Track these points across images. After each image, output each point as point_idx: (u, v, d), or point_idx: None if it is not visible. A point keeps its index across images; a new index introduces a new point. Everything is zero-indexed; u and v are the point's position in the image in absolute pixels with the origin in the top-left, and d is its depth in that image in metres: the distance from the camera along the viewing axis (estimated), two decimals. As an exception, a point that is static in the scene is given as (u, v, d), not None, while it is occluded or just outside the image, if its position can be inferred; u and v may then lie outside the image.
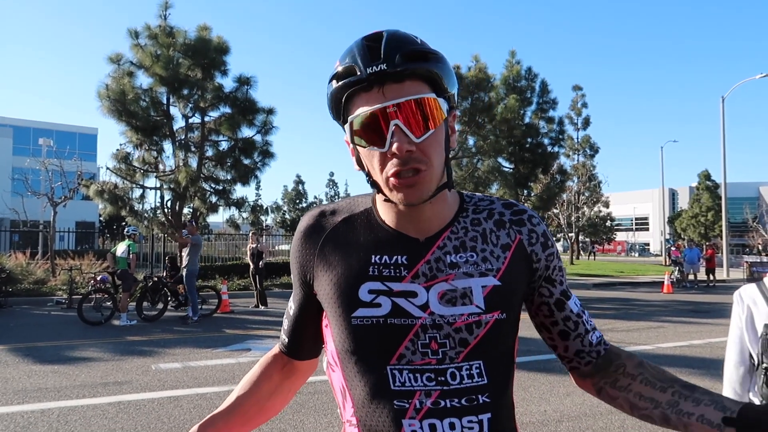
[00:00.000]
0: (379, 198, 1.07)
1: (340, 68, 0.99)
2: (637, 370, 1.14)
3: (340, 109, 1.02)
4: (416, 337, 1.00)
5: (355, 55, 0.97)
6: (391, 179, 0.97)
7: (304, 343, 1.24)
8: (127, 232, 11.76)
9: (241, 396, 1.21)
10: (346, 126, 1.01)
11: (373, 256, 1.05)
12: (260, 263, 13.74)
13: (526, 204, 24.18)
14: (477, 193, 1.17)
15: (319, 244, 1.11)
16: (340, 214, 1.12)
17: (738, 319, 2.24)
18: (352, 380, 1.05)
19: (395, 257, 1.04)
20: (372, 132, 0.97)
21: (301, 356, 1.25)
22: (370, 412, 1.02)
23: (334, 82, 1.00)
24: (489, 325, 1.02)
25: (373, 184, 1.04)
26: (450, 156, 1.05)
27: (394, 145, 0.94)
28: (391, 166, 0.96)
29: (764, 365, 2.08)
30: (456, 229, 1.08)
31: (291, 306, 1.23)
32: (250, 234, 14.69)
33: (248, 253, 14.39)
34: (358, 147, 1.02)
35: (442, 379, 0.99)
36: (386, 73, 0.94)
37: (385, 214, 1.08)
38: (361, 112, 0.97)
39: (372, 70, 0.95)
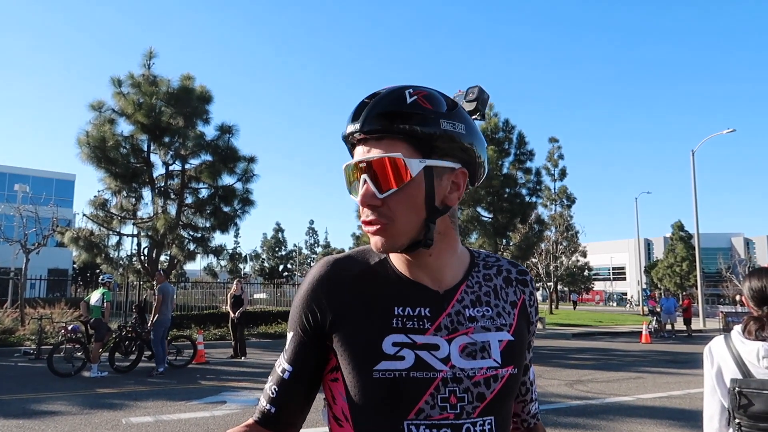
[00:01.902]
0: None
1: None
2: None
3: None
4: (436, 391, 0.99)
5: (350, 113, 1.05)
6: (364, 226, 1.05)
7: (295, 413, 1.10)
8: (102, 279, 11.54)
9: None
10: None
11: (395, 308, 1.04)
12: (239, 311, 13.52)
13: (505, 253, 24.37)
14: (482, 250, 1.21)
15: (338, 294, 1.06)
16: (356, 265, 1.10)
17: (709, 374, 2.28)
18: None
19: (418, 309, 1.04)
20: (351, 182, 1.05)
21: (282, 428, 1.09)
22: None
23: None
24: (504, 380, 1.04)
25: None
26: (446, 212, 1.05)
27: (360, 197, 1.01)
28: (362, 214, 1.03)
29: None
30: (471, 283, 1.11)
31: (284, 367, 1.09)
32: (236, 281, 14.42)
33: (229, 300, 14.08)
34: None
35: None
36: (359, 132, 1.01)
37: (399, 263, 1.09)
38: (345, 164, 1.06)
39: (349, 130, 1.03)
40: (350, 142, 1.05)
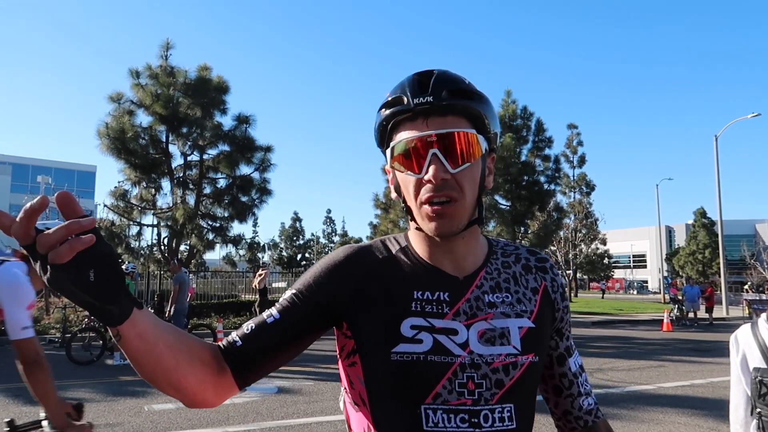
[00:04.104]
0: (413, 230, 1.10)
1: (389, 98, 1.04)
2: None
3: (385, 135, 1.06)
4: (454, 376, 0.98)
5: (405, 87, 1.02)
6: (425, 207, 1.00)
7: (258, 357, 1.01)
8: (126, 269, 11.69)
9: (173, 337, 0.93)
10: (387, 152, 1.05)
11: (415, 292, 1.04)
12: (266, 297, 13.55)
13: (523, 241, 24.22)
14: (500, 239, 1.20)
15: (360, 279, 1.05)
16: (378, 252, 1.10)
17: (734, 363, 2.23)
18: (381, 420, 1.01)
19: (437, 293, 1.04)
20: (411, 158, 1.00)
21: (243, 373, 1.00)
22: None
23: (383, 110, 1.05)
24: (524, 368, 1.02)
25: (408, 210, 1.06)
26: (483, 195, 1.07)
27: (430, 172, 0.97)
28: (425, 192, 0.99)
29: (758, 410, 2.06)
30: (490, 270, 1.10)
31: (271, 313, 1.04)
32: (263, 270, 14.42)
33: (259, 286, 13.99)
34: (396, 172, 1.05)
35: (476, 420, 0.97)
36: (432, 104, 0.98)
37: (422, 250, 1.09)
38: (403, 138, 1.01)
39: (419, 101, 0.99)
40: (399, 118, 1.02)
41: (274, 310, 1.05)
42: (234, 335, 1.03)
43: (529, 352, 1.03)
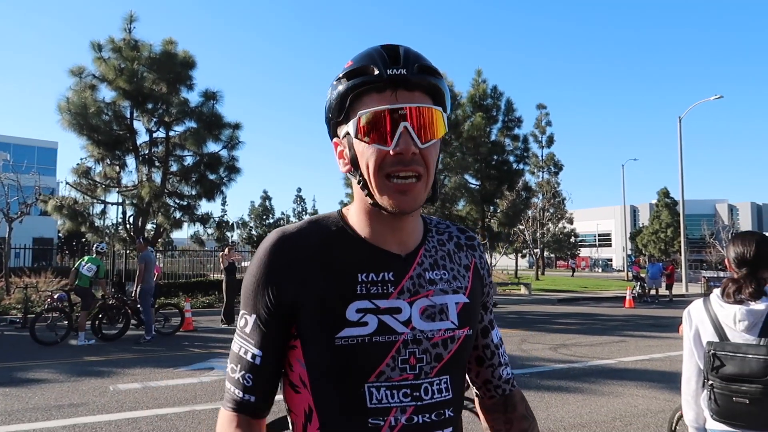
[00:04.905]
0: (357, 207, 1.07)
1: (353, 67, 1.00)
2: None
3: (344, 106, 1.00)
4: (397, 353, 1.00)
5: (374, 57, 0.98)
6: (390, 181, 0.97)
7: (272, 392, 1.08)
8: (99, 248, 11.38)
9: None
10: (351, 122, 0.99)
11: (359, 275, 1.02)
12: (236, 276, 13.37)
13: (492, 221, 24.49)
14: (432, 216, 1.20)
15: (298, 266, 1.02)
16: (314, 234, 1.06)
17: (687, 336, 2.31)
18: (323, 401, 1.01)
19: (382, 274, 1.03)
20: (379, 130, 0.96)
21: (266, 412, 1.08)
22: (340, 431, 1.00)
23: (344, 80, 1.00)
24: (460, 341, 1.06)
25: (365, 185, 1.01)
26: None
27: (401, 145, 0.95)
28: (390, 165, 0.96)
29: (710, 382, 2.14)
30: (428, 247, 1.11)
31: (252, 352, 1.04)
32: (227, 248, 14.18)
33: (223, 265, 13.76)
34: (356, 143, 1.00)
35: (417, 394, 1.00)
36: (405, 77, 0.96)
37: (362, 228, 1.06)
38: (372, 109, 0.97)
39: (392, 72, 0.96)
40: (364, 89, 0.98)
41: (252, 348, 1.04)
42: (238, 394, 1.05)
43: (464, 326, 1.07)
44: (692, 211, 59.20)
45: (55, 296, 11.52)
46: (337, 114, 1.02)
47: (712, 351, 2.14)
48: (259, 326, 1.04)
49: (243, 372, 1.04)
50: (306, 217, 1.14)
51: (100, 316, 10.97)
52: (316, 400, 1.02)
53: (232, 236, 49.30)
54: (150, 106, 16.60)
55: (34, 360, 8.55)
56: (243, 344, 1.05)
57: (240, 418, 1.04)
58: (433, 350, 1.02)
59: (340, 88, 1.00)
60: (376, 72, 0.96)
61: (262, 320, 1.03)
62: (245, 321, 1.05)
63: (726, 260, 2.30)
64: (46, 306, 11.26)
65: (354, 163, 1.02)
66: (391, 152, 0.96)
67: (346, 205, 1.16)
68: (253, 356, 1.03)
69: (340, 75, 1.01)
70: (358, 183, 1.03)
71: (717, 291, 2.23)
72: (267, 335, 1.03)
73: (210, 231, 20.16)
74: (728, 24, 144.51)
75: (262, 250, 1.06)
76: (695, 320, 2.27)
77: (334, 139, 1.08)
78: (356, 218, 1.08)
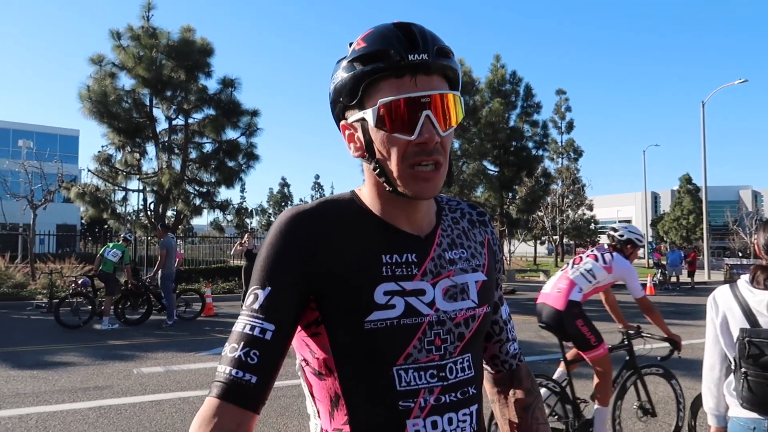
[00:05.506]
0: (369, 189, 1.05)
1: (368, 50, 0.94)
2: (522, 412, 1.20)
3: (357, 92, 0.96)
4: (423, 335, 1.00)
5: (391, 40, 0.94)
6: (413, 169, 0.95)
7: (273, 380, 0.95)
8: (126, 236, 11.75)
9: None
10: (369, 110, 0.95)
11: (383, 256, 1.00)
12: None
13: (510, 207, 24.33)
14: (442, 194, 1.12)
15: (317, 240, 0.98)
16: (333, 213, 1.03)
17: (712, 323, 2.24)
18: (351, 386, 0.99)
19: (405, 255, 1.02)
20: (401, 119, 0.93)
21: (261, 406, 0.93)
22: (370, 416, 0.98)
23: (358, 63, 0.95)
24: (480, 319, 1.07)
25: (382, 173, 0.98)
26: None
27: (426, 135, 0.93)
28: (414, 155, 0.94)
29: (743, 369, 2.08)
30: (444, 227, 1.11)
31: (262, 326, 0.93)
32: (246, 235, 14.21)
33: (242, 251, 13.71)
34: (380, 131, 0.95)
35: (443, 374, 1.01)
36: (426, 63, 0.93)
37: (378, 210, 1.04)
38: (393, 96, 0.93)
39: (414, 58, 0.92)
40: (372, 78, 0.94)
41: (263, 322, 0.93)
42: (236, 373, 0.90)
43: (484, 303, 1.08)
44: (715, 197, 58.13)
45: (79, 281, 11.74)
46: (349, 98, 0.98)
47: (746, 338, 2.07)
48: (274, 298, 0.95)
49: (247, 348, 0.91)
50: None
51: (124, 301, 11.20)
52: (344, 385, 1.00)
53: (251, 223, 49.73)
54: (169, 93, 16.70)
55: (59, 344, 8.74)
56: (250, 321, 0.94)
57: (228, 409, 0.88)
58: (456, 330, 1.03)
59: (357, 71, 0.95)
60: (396, 57, 0.92)
61: (279, 293, 0.95)
62: (254, 297, 0.96)
63: (755, 246, 2.23)
64: (71, 291, 11.47)
65: (369, 149, 0.99)
66: (414, 141, 0.94)
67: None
68: (263, 331, 0.92)
69: (352, 57, 0.96)
70: (374, 170, 1.00)
71: (745, 277, 2.17)
72: (282, 310, 0.94)
73: (229, 218, 20.35)
74: (754, 6, 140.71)
75: (280, 224, 1.01)
76: (722, 307, 2.20)
77: (342, 122, 1.03)
78: (371, 200, 1.05)
